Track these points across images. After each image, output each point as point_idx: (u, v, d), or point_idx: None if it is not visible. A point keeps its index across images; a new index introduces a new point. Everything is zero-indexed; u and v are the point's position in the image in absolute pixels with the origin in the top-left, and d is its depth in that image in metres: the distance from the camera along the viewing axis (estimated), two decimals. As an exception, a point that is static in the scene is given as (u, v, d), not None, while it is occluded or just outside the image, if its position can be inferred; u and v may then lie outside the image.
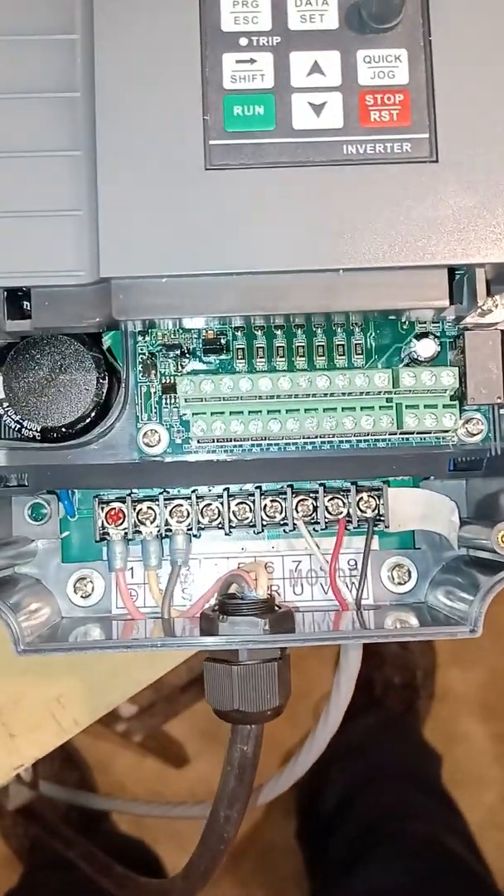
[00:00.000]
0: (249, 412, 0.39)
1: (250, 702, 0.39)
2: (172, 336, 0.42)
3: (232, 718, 0.39)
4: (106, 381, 0.41)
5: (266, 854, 1.11)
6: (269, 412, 0.39)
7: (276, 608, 0.40)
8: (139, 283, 0.35)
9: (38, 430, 0.40)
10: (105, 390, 0.41)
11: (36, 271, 0.34)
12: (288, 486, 0.45)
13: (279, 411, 0.39)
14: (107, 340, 0.42)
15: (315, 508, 0.45)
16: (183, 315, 0.36)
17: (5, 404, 0.40)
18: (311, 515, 0.45)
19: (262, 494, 0.45)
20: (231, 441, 0.41)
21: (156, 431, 0.42)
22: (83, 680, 0.55)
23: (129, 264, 0.34)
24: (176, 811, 0.65)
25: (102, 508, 0.45)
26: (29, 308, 0.36)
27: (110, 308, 0.35)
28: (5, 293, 0.35)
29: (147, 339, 0.42)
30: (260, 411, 0.39)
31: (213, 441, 0.41)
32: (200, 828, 0.43)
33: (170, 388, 0.42)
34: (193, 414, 0.39)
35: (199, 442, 0.41)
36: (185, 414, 0.41)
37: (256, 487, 0.45)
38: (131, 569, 0.46)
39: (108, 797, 0.97)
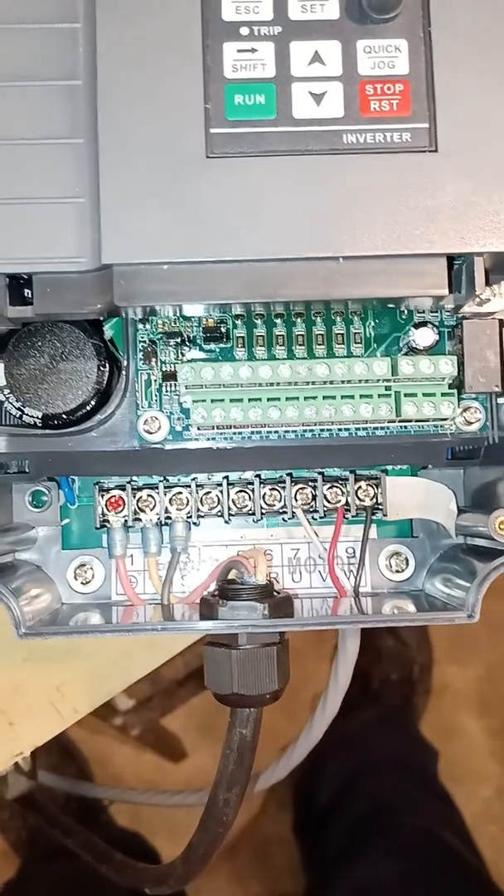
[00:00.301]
0: (249, 399, 0.40)
1: (249, 685, 0.39)
2: (173, 324, 0.42)
3: (231, 702, 0.40)
4: (107, 369, 0.41)
5: (263, 847, 1.12)
6: (268, 400, 0.40)
7: (276, 593, 0.40)
8: (140, 270, 0.35)
9: (39, 416, 0.40)
10: (106, 378, 0.41)
11: (38, 258, 0.35)
12: (287, 474, 0.45)
13: (279, 399, 0.40)
14: (109, 331, 0.43)
15: (314, 497, 0.45)
16: (184, 302, 0.36)
17: (6, 391, 0.40)
18: (309, 504, 0.45)
19: (261, 483, 0.45)
20: (231, 428, 0.41)
21: (156, 419, 0.42)
22: (82, 668, 0.56)
23: (130, 251, 0.34)
24: (174, 799, 0.65)
25: (103, 496, 0.45)
26: (30, 295, 0.36)
27: (111, 295, 0.35)
28: (7, 280, 0.36)
29: (148, 326, 0.42)
30: (260, 399, 0.40)
31: (213, 428, 0.41)
32: (196, 818, 0.43)
33: (170, 376, 0.42)
34: (193, 401, 0.40)
35: (199, 429, 0.41)
36: (185, 401, 0.41)
37: (256, 476, 0.45)
38: (131, 556, 0.47)
39: (104, 787, 0.98)
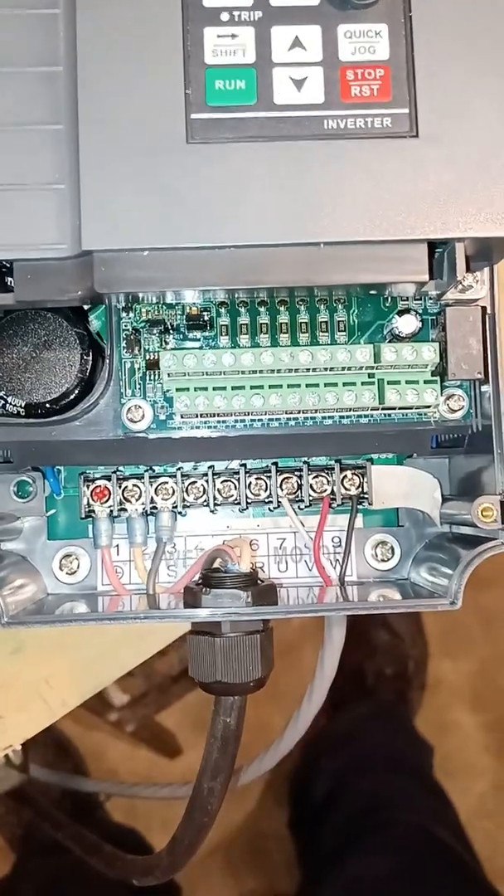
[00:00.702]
0: (233, 388, 0.40)
1: (233, 673, 0.39)
2: (156, 312, 0.42)
3: (215, 690, 0.40)
4: (90, 358, 0.41)
5: (258, 842, 1.11)
6: (252, 388, 0.40)
7: (259, 581, 0.40)
8: (121, 256, 0.35)
9: (23, 405, 0.40)
10: (89, 366, 0.41)
11: (18, 244, 0.35)
12: (272, 463, 0.45)
13: (262, 387, 0.40)
14: (95, 321, 0.42)
15: (299, 486, 0.45)
16: (164, 288, 0.36)
17: (-11, 380, 0.40)
18: (295, 493, 0.45)
19: (246, 472, 0.45)
20: (214, 416, 0.41)
21: (140, 407, 0.42)
22: (71, 661, 0.56)
23: (110, 237, 0.34)
24: (164, 791, 0.65)
25: (88, 486, 0.45)
26: (11, 282, 0.36)
27: (92, 281, 0.35)
28: (-14, 266, 0.36)
29: (131, 315, 0.42)
30: (243, 387, 0.40)
31: (197, 416, 0.41)
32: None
33: (154, 365, 0.42)
34: (177, 389, 0.40)
35: (182, 417, 0.41)
36: (168, 390, 0.41)
37: (241, 465, 0.45)
38: (117, 546, 0.46)
39: (98, 781, 0.98)
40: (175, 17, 0.35)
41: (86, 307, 0.43)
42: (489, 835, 1.09)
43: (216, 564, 0.42)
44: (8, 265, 0.36)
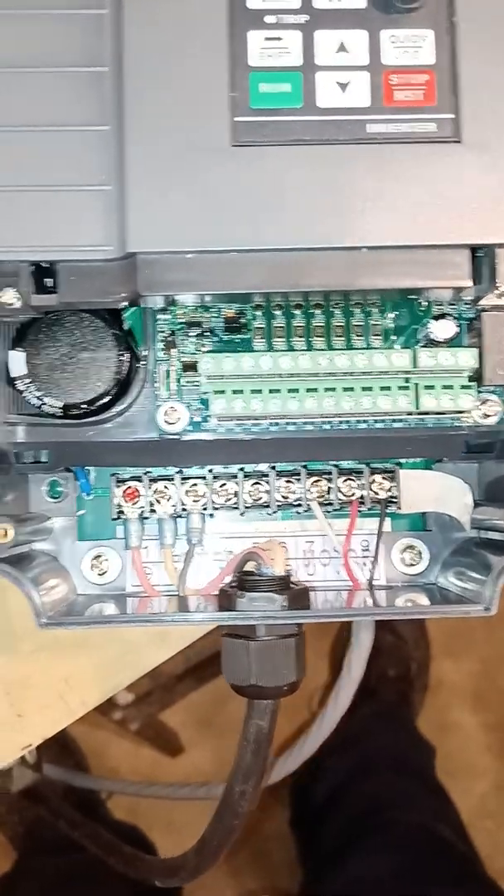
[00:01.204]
0: (270, 391, 0.40)
1: (267, 677, 0.39)
2: (193, 314, 0.42)
3: (249, 693, 0.40)
4: (126, 359, 0.41)
5: (259, 842, 1.12)
6: (288, 391, 0.40)
7: (293, 585, 0.40)
8: (165, 259, 0.35)
9: (60, 406, 0.40)
10: (126, 368, 0.41)
11: (64, 246, 0.35)
12: (302, 466, 0.45)
13: (298, 390, 0.40)
14: (127, 322, 0.42)
15: (329, 490, 0.45)
16: (207, 291, 0.36)
17: (27, 380, 0.40)
18: (324, 496, 0.45)
19: (276, 475, 0.45)
20: (250, 419, 0.41)
21: (175, 409, 0.42)
22: (91, 661, 0.56)
23: (155, 239, 0.34)
24: (182, 792, 0.65)
25: (119, 487, 0.45)
26: (52, 283, 0.36)
27: (136, 283, 0.35)
28: (33, 267, 0.36)
29: (168, 316, 0.42)
30: (280, 390, 0.40)
31: (233, 419, 0.41)
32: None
33: (190, 367, 0.42)
34: (214, 392, 0.40)
35: (218, 420, 0.41)
36: (205, 392, 0.41)
37: (271, 468, 0.45)
38: (146, 547, 0.46)
39: (108, 780, 0.98)
40: (221, 20, 0.35)
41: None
42: (491, 834, 1.10)
43: (249, 567, 0.42)
44: (49, 266, 0.36)
